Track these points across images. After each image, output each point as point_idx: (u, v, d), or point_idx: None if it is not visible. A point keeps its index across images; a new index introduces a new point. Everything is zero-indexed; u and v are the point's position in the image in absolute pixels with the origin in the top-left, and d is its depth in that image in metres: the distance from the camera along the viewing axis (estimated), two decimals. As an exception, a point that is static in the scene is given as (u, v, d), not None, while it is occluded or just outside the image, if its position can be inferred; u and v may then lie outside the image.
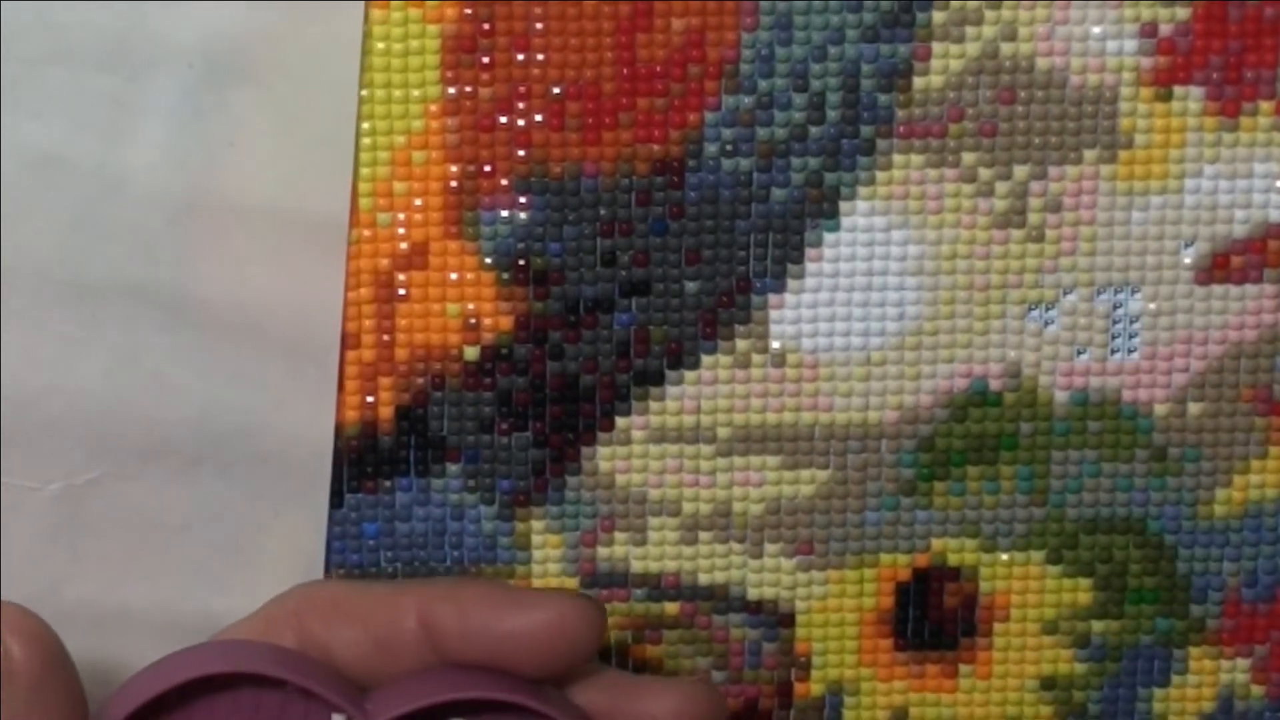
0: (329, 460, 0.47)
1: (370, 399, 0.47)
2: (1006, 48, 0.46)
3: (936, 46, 0.46)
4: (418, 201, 0.46)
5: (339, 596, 0.44)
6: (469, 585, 0.44)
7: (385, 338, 0.47)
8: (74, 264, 0.45)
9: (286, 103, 0.45)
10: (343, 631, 0.44)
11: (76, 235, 0.45)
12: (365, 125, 0.45)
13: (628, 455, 0.48)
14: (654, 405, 0.48)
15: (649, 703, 0.44)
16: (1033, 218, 0.47)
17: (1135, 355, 0.48)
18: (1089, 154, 0.47)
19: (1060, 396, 0.48)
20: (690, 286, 0.47)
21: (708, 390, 0.48)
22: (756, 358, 0.48)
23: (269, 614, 0.44)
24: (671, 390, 0.48)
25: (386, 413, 0.47)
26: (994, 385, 0.48)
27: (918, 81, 0.46)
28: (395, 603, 0.44)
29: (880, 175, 0.47)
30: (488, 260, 0.47)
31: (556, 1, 0.45)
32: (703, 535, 0.49)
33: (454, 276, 0.47)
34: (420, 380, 0.47)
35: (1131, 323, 0.48)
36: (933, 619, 0.50)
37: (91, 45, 0.44)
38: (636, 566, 0.49)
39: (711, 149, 0.46)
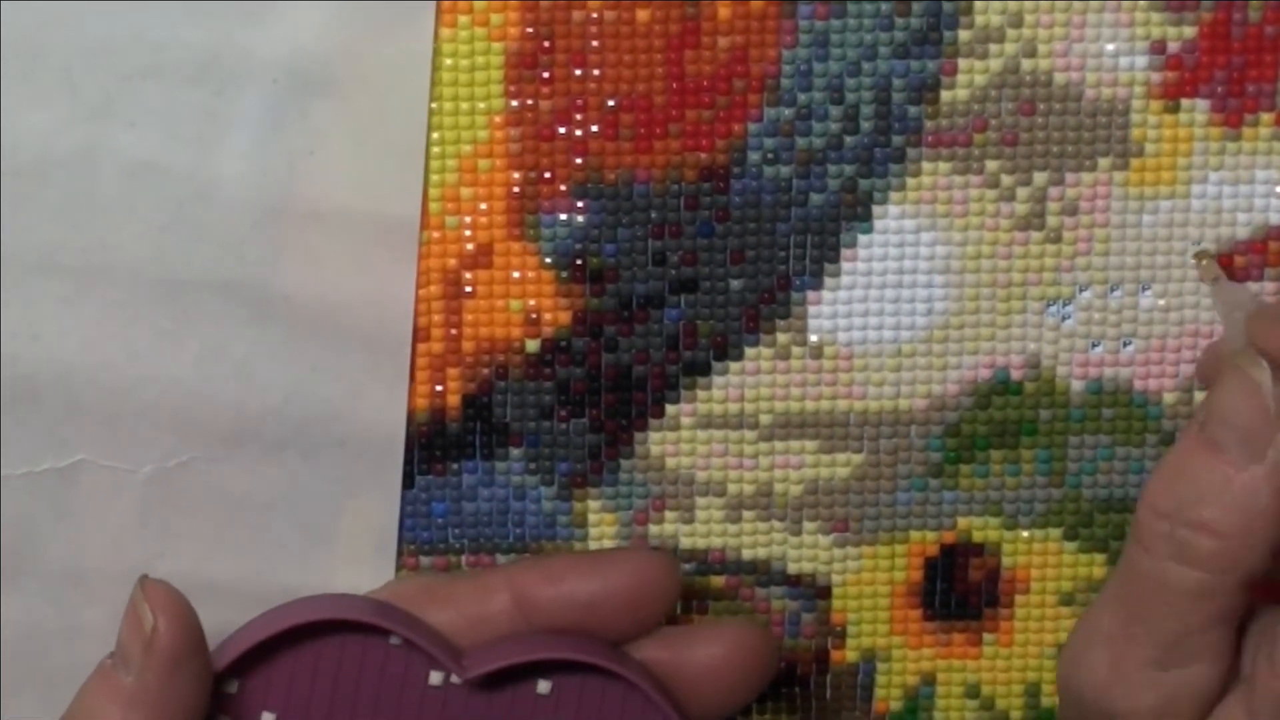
0: (401, 445, 0.48)
1: (439, 388, 0.48)
2: (1027, 63, 0.47)
3: (962, 62, 0.47)
4: (483, 206, 0.47)
5: (429, 584, 0.45)
6: (553, 557, 0.45)
7: (453, 331, 0.48)
8: (167, 264, 0.47)
9: (362, 114, 0.46)
10: (437, 614, 0.44)
11: (169, 237, 0.46)
12: (434, 135, 0.46)
13: (677, 440, 0.49)
14: (701, 394, 0.49)
15: (706, 648, 0.45)
16: (1051, 220, 0.48)
17: (1146, 347, 0.49)
18: (1103, 162, 0.47)
19: (1076, 385, 0.49)
20: (735, 284, 0.48)
21: (751, 380, 0.49)
22: (796, 350, 0.48)
23: None
24: (717, 380, 0.49)
25: (454, 401, 0.48)
26: (1015, 375, 0.49)
27: (945, 95, 0.47)
28: (484, 584, 0.45)
29: (910, 181, 0.47)
30: (547, 260, 0.48)
31: (611, 21, 0.46)
32: (746, 514, 0.50)
33: (516, 275, 0.48)
34: (485, 371, 0.48)
35: (1142, 317, 0.48)
36: (958, 591, 0.50)
37: (183, 61, 0.45)
38: (685, 543, 0.50)
39: (754, 157, 0.47)
